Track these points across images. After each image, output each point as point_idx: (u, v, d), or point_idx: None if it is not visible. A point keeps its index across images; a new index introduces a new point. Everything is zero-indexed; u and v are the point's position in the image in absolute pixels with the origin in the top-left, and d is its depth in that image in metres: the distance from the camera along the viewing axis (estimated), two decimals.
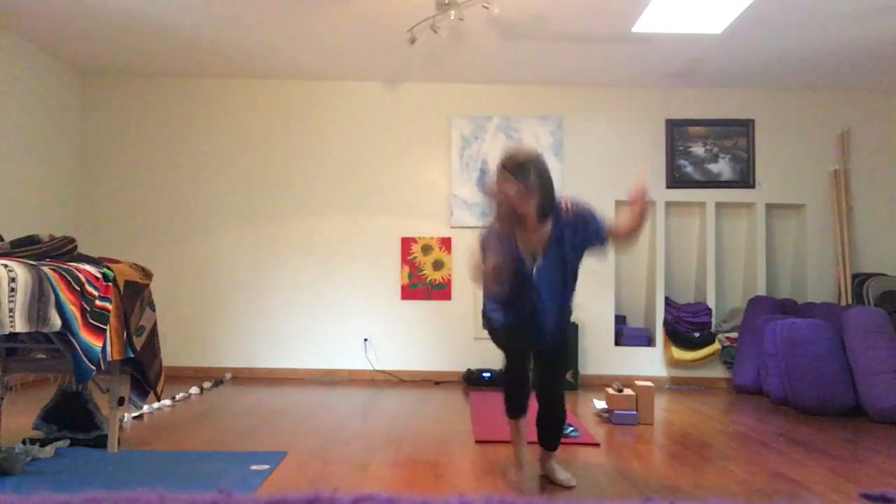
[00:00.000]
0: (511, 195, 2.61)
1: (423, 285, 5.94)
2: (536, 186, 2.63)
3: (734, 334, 5.80)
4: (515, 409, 2.84)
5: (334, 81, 6.10)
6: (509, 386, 2.84)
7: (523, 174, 2.61)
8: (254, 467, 2.87)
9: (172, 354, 5.85)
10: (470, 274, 2.95)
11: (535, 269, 2.73)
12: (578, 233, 2.73)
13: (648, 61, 5.48)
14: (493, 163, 2.78)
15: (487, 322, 2.91)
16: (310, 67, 5.80)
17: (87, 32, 5.10)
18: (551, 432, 2.89)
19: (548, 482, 2.85)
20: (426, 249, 5.94)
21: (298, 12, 4.66)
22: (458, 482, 2.77)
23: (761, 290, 5.90)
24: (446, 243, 5.95)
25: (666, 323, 5.92)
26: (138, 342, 3.15)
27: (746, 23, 4.63)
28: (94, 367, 2.73)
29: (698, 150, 6.10)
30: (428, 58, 5.46)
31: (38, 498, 0.57)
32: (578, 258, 2.79)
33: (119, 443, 3.16)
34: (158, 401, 3.83)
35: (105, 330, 2.85)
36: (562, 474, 2.83)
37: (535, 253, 2.74)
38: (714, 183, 6.08)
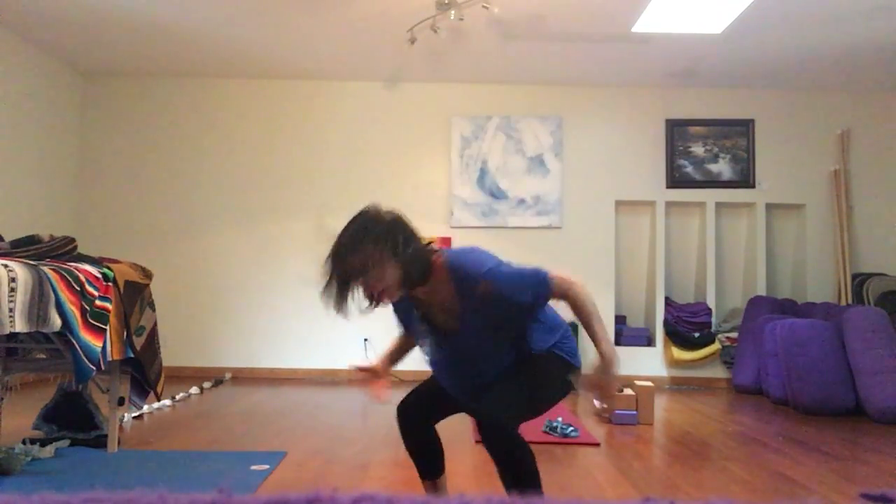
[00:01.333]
0: (376, 289, 1.74)
1: None
2: (385, 257, 1.73)
3: (734, 334, 5.80)
4: (419, 467, 2.10)
5: (334, 81, 6.10)
6: (398, 420, 2.06)
7: (362, 253, 1.72)
8: (254, 467, 2.87)
9: (172, 354, 5.83)
10: None
11: (448, 348, 1.94)
12: (503, 304, 1.82)
13: (648, 61, 5.49)
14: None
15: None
16: (310, 67, 5.80)
17: (87, 32, 5.10)
18: (515, 487, 1.80)
19: None
20: None
21: (298, 12, 4.66)
22: (458, 482, 2.77)
23: (761, 290, 5.90)
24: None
25: (666, 323, 5.92)
26: (138, 342, 3.15)
27: (746, 23, 4.63)
28: (94, 367, 2.72)
29: (698, 150, 6.10)
30: (428, 58, 5.46)
31: (38, 498, 0.57)
32: (511, 318, 1.89)
33: (119, 443, 3.16)
34: (158, 401, 3.83)
35: (105, 330, 2.85)
36: None
37: (445, 325, 1.91)
38: (714, 183, 6.08)
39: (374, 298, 1.76)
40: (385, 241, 1.74)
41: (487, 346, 1.91)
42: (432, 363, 2.03)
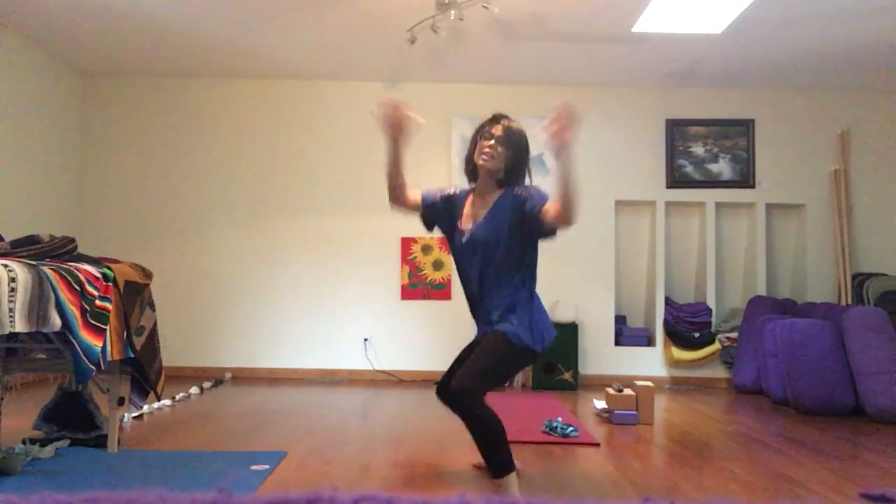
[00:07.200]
0: (484, 144, 2.74)
1: (423, 285, 5.94)
2: (510, 149, 2.73)
3: (734, 334, 5.80)
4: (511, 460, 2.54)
5: (334, 81, 6.10)
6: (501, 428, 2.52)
7: (502, 132, 2.77)
8: (254, 467, 2.87)
9: (172, 354, 5.83)
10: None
11: (465, 237, 2.74)
12: (517, 207, 2.59)
13: (648, 61, 5.48)
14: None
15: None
16: (310, 67, 5.80)
17: (87, 32, 5.10)
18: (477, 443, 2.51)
19: None
20: (426, 249, 5.94)
21: (298, 12, 4.66)
22: (458, 482, 2.77)
23: (761, 290, 5.90)
24: (446, 243, 5.93)
25: (666, 323, 5.92)
26: (138, 342, 3.15)
27: (746, 23, 4.63)
28: (94, 367, 2.72)
29: (698, 150, 6.10)
30: (428, 58, 5.46)
31: (38, 498, 0.57)
32: (515, 236, 2.59)
33: (119, 443, 3.16)
34: (158, 401, 3.83)
35: (105, 330, 2.85)
36: None
37: (476, 217, 2.74)
38: (714, 183, 6.08)
39: (490, 152, 2.74)
40: (523, 152, 2.83)
41: (492, 250, 2.61)
42: (456, 254, 2.86)
